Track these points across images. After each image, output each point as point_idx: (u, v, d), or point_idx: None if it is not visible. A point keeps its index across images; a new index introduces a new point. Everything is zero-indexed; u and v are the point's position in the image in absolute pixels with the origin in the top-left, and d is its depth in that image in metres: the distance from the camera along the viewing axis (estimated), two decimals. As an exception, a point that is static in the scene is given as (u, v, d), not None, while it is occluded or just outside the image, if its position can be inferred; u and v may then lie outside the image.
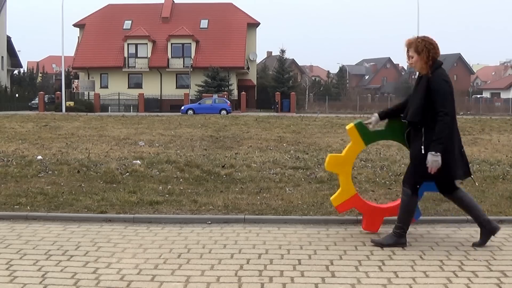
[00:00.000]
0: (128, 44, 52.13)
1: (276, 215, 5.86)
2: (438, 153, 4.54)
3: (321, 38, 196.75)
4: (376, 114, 5.15)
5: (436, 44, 4.73)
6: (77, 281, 3.85)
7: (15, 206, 6.20)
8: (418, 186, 4.80)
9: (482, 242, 4.78)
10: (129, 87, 52.22)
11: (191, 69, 50.77)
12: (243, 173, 8.60)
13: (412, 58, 4.74)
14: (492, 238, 4.84)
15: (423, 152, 4.62)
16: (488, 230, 4.78)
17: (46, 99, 50.22)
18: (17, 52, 63.70)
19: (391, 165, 9.54)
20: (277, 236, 5.09)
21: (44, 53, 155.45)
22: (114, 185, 7.60)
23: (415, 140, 4.75)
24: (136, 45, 52.23)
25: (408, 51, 4.78)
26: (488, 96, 73.43)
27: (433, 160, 4.55)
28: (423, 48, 4.66)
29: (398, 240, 4.72)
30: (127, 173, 8.52)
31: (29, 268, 4.12)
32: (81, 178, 8.11)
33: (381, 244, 4.70)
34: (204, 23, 55.11)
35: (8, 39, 60.14)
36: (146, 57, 52.13)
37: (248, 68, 55.15)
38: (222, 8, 56.12)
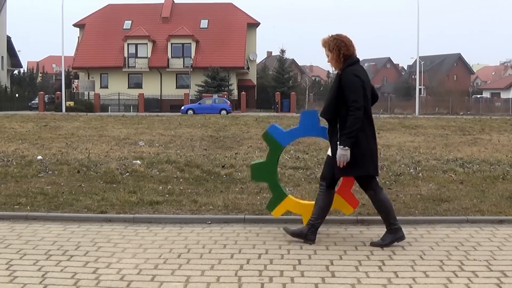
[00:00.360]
0: (128, 44, 52.15)
1: (276, 215, 5.85)
2: (347, 147, 4.58)
3: (321, 38, 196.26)
4: None
5: (349, 42, 4.79)
6: (77, 281, 3.85)
7: (15, 206, 6.20)
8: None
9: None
10: (129, 87, 52.23)
11: (191, 69, 50.79)
12: (243, 173, 8.60)
13: (328, 56, 4.85)
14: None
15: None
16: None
17: (46, 99, 50.23)
18: (17, 52, 63.72)
19: (391, 165, 9.54)
20: (277, 236, 5.09)
21: (44, 53, 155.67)
22: (114, 185, 7.60)
23: (332, 136, 4.83)
24: (136, 45, 52.25)
25: (325, 50, 4.88)
26: (488, 96, 73.38)
27: (342, 154, 4.61)
28: (334, 46, 4.77)
29: (396, 235, 4.73)
30: (127, 173, 8.52)
31: (29, 268, 4.12)
32: (81, 178, 8.11)
33: (381, 245, 4.70)
34: (204, 23, 55.12)
35: (8, 39, 60.15)
36: (146, 57, 52.15)
37: (248, 68, 55.16)
38: (222, 8, 56.14)
